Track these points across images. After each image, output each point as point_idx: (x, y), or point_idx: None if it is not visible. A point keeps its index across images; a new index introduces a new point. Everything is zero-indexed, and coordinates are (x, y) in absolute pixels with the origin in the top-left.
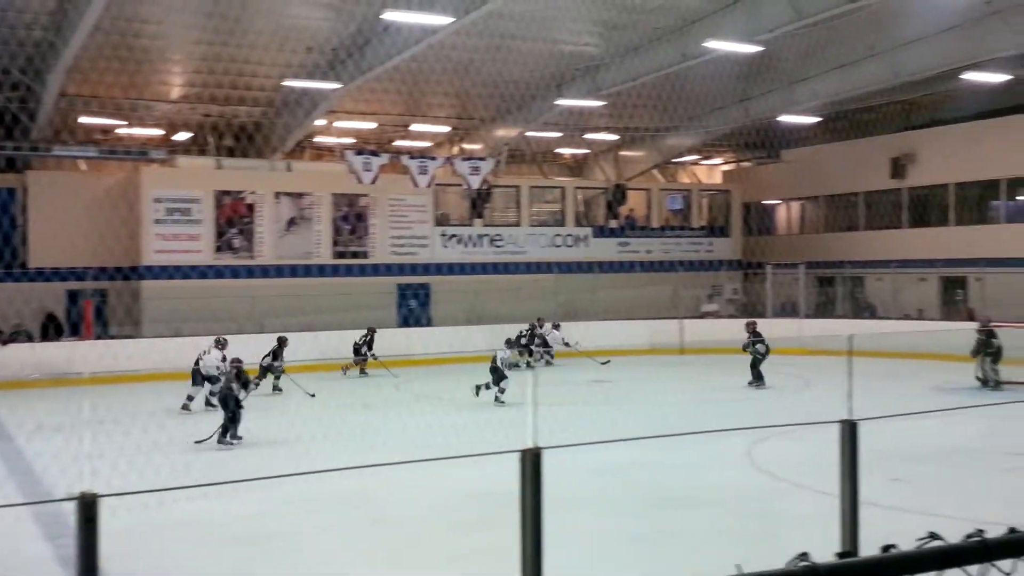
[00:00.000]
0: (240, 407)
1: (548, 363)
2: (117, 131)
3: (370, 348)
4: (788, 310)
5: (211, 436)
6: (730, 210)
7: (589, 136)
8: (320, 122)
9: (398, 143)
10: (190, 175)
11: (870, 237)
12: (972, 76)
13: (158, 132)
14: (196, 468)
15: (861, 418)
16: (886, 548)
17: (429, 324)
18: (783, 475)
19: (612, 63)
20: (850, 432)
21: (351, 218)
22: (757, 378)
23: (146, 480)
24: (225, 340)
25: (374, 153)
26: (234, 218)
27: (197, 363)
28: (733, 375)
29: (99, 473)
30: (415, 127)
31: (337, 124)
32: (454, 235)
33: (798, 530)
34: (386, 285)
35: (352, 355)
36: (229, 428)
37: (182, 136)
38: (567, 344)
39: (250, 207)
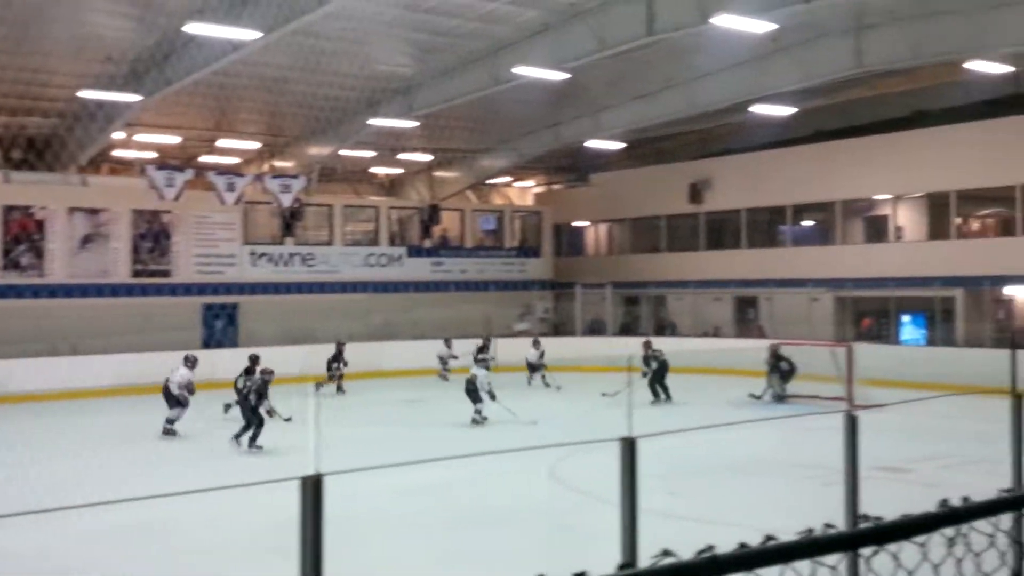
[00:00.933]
0: (257, 414)
1: (547, 385)
2: None
3: (337, 360)
4: (596, 328)
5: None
6: (541, 231)
7: (403, 156)
8: (119, 135)
9: (204, 158)
10: None
11: (671, 258)
12: (760, 108)
13: None
14: None
15: (640, 435)
16: (623, 566)
17: (236, 345)
18: (586, 490)
19: (426, 84)
20: (629, 449)
21: (152, 235)
22: (655, 395)
23: None
24: (195, 358)
25: (177, 168)
26: (22, 235)
27: (167, 384)
28: (542, 393)
29: None
30: (222, 142)
31: (138, 138)
32: (264, 254)
33: (597, 544)
34: (191, 305)
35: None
36: (256, 434)
37: None
38: (543, 364)
39: (40, 223)
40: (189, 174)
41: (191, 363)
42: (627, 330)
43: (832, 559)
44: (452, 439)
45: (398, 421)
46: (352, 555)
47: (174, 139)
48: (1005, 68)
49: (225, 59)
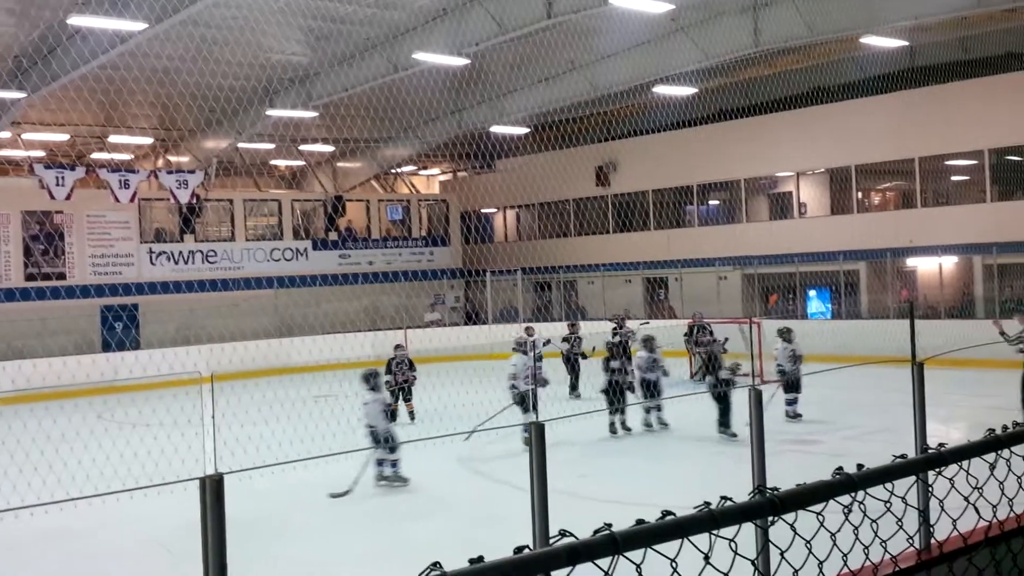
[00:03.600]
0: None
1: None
2: None
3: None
4: (508, 315)
5: None
6: (449, 219)
7: (304, 147)
8: (5, 134)
9: (96, 155)
10: None
11: (580, 242)
12: (663, 89)
13: None
14: None
15: (547, 419)
16: (519, 549)
17: (137, 347)
18: (503, 478)
19: (323, 73)
20: (538, 433)
21: (44, 237)
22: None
23: None
24: (523, 340)
25: (68, 166)
26: None
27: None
28: (458, 383)
29: None
30: (114, 138)
31: (25, 136)
32: (163, 252)
33: (519, 530)
34: (88, 307)
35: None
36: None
37: None
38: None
39: None
40: (80, 172)
41: (523, 345)
42: (540, 316)
43: (730, 531)
44: (364, 434)
45: (307, 418)
46: (263, 557)
47: (63, 136)
48: (899, 42)
49: (112, 52)
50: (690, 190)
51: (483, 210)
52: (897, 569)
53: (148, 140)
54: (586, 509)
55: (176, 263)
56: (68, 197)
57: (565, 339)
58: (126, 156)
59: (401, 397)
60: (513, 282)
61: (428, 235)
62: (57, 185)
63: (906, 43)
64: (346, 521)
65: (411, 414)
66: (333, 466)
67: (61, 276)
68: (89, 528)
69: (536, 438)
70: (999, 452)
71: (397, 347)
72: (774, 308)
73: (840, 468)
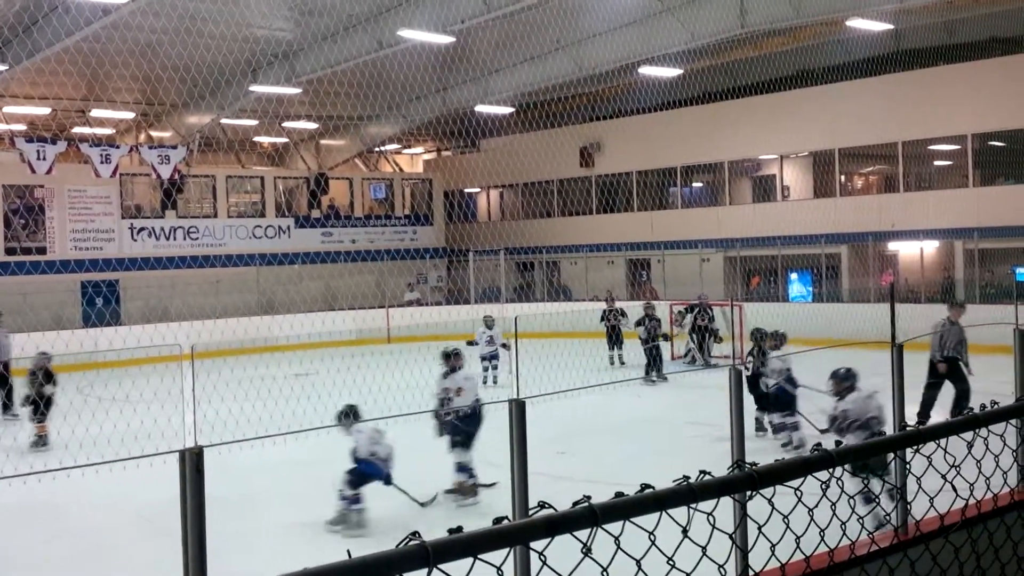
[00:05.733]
0: None
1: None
2: None
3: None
4: (491, 295)
5: None
6: (433, 198)
7: (288, 124)
8: None
9: (78, 129)
10: None
11: (564, 223)
12: (648, 70)
13: None
14: None
15: (528, 396)
16: (498, 520)
17: (118, 322)
18: (484, 455)
19: (308, 49)
20: (518, 410)
21: (25, 211)
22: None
23: None
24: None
25: (49, 140)
26: None
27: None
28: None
29: None
30: (96, 112)
31: (6, 109)
32: (144, 227)
33: (490, 507)
34: (68, 282)
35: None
36: None
37: None
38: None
39: None
40: (61, 146)
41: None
42: (523, 296)
43: (708, 505)
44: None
45: (288, 394)
46: (240, 531)
47: (44, 110)
48: (885, 25)
49: (95, 24)
50: (674, 172)
51: (467, 189)
52: (875, 549)
53: (130, 114)
54: (564, 487)
55: (157, 239)
56: (49, 171)
57: (640, 323)
58: (108, 131)
59: (34, 416)
60: (496, 262)
61: (411, 214)
62: (38, 159)
63: (891, 26)
64: (322, 496)
65: (41, 438)
66: (313, 442)
67: (41, 250)
68: (69, 501)
69: (516, 414)
70: (977, 431)
71: (41, 354)
72: (756, 290)
73: (819, 444)
